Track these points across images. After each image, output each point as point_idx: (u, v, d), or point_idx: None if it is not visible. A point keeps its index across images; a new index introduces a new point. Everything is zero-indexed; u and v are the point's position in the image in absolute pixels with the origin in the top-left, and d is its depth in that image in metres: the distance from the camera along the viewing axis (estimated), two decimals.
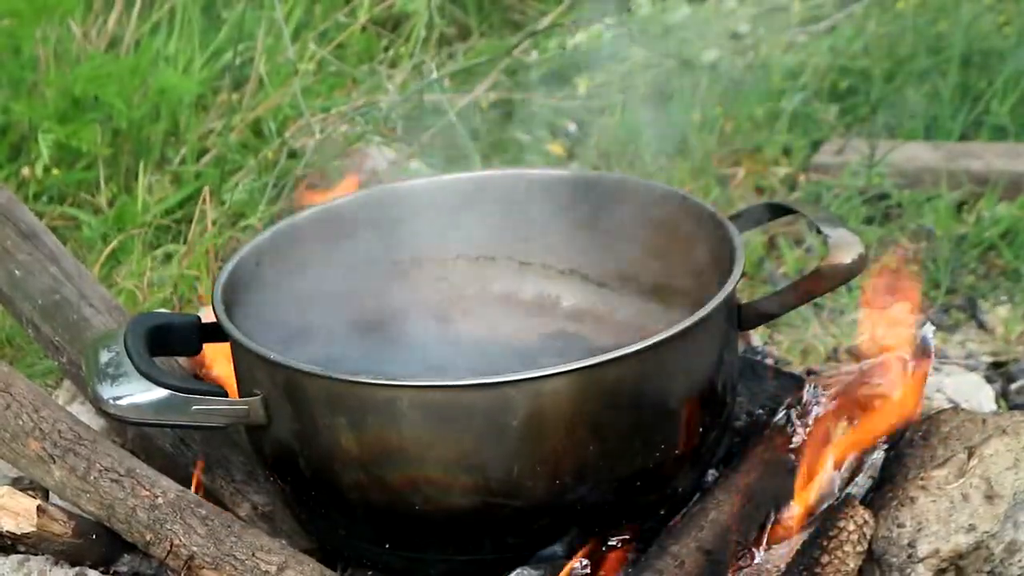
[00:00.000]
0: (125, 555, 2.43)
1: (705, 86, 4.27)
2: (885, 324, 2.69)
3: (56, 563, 2.44)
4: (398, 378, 2.20)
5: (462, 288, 2.80)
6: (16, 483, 2.61)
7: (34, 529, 2.37)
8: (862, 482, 2.46)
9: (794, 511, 2.42)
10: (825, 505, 2.42)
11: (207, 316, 2.46)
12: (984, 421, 2.48)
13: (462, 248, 2.79)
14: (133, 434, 2.65)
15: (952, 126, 4.15)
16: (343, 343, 2.64)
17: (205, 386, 2.36)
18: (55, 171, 3.63)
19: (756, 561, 2.36)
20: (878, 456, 2.49)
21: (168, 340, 2.45)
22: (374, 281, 2.74)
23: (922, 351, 2.56)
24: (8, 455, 2.45)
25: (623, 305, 2.71)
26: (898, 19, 4.59)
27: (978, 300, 3.51)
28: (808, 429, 2.51)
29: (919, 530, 2.37)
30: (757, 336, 3.18)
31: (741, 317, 2.46)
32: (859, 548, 2.34)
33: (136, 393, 2.31)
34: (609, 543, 2.34)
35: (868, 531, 2.36)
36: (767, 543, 2.39)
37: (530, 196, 2.75)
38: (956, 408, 2.57)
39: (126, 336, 2.38)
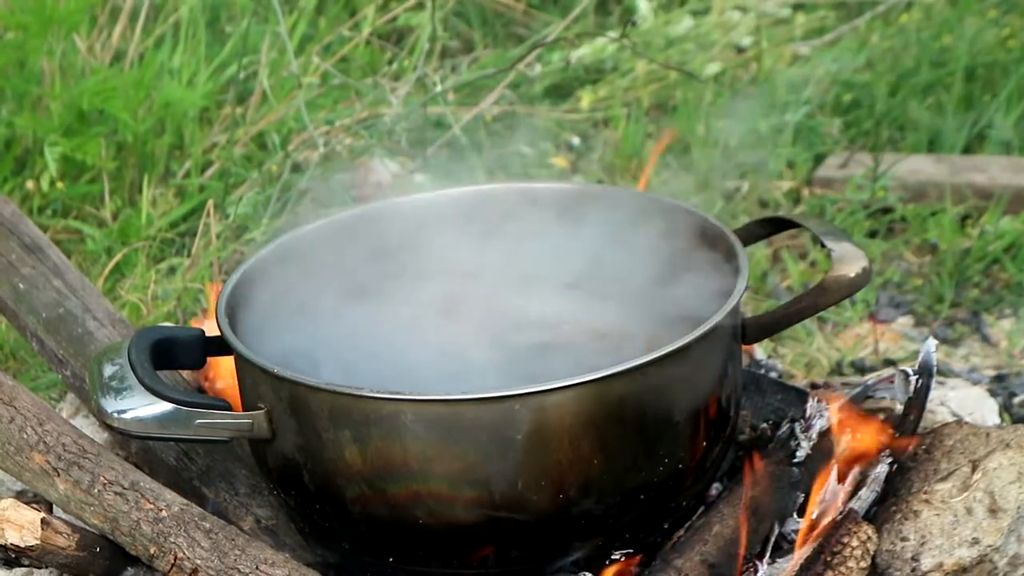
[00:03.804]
0: (129, 568, 2.43)
1: (709, 99, 4.27)
2: None
3: None
4: (402, 392, 2.20)
5: (466, 301, 2.80)
6: (20, 496, 2.62)
7: (38, 542, 2.36)
8: (866, 495, 2.46)
9: (798, 525, 2.42)
10: (829, 519, 2.42)
11: (211, 329, 2.47)
12: (988, 435, 2.48)
13: (466, 262, 2.79)
14: (137, 447, 2.65)
15: (956, 140, 4.15)
16: (347, 356, 2.64)
17: (209, 400, 2.36)
18: (60, 184, 3.63)
19: (760, 575, 2.36)
20: (882, 469, 2.49)
21: (172, 353, 2.46)
22: (377, 295, 2.74)
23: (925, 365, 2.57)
24: (12, 468, 2.45)
25: (626, 318, 2.71)
26: (901, 33, 4.59)
27: (982, 314, 3.51)
28: (812, 443, 2.51)
29: (923, 544, 2.37)
30: (761, 350, 3.18)
31: (745, 331, 2.46)
32: (863, 564, 2.33)
33: (140, 407, 2.32)
34: (613, 557, 2.35)
35: (872, 546, 2.36)
36: (771, 557, 2.39)
37: (534, 209, 2.75)
38: (960, 422, 2.57)
39: (130, 349, 2.38)
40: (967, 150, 4.16)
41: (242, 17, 4.14)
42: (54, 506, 2.51)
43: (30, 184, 3.65)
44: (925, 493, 2.41)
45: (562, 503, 2.24)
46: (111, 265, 3.46)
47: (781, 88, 4.35)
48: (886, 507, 2.45)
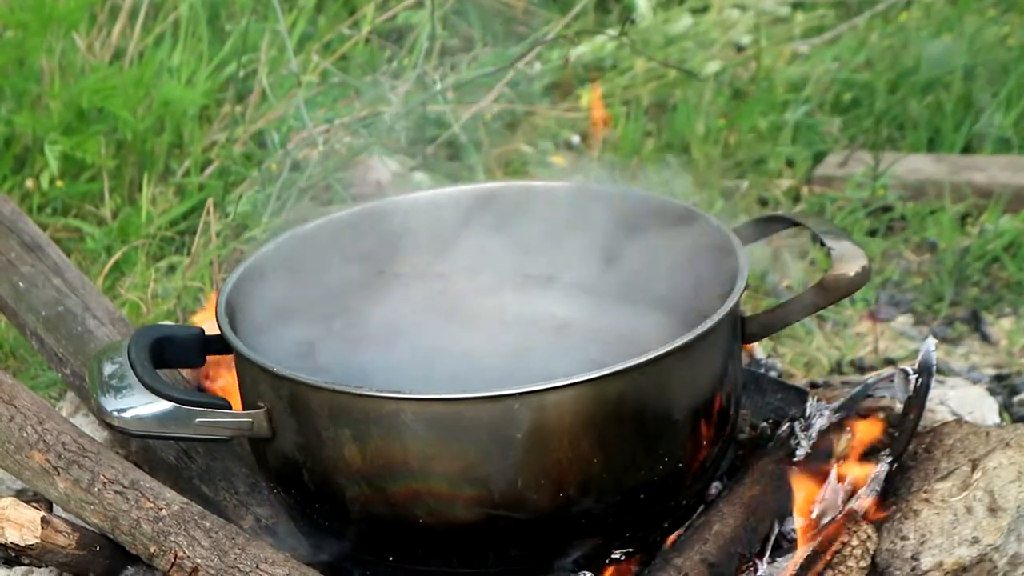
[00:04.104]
0: (129, 567, 2.43)
1: (708, 98, 4.27)
2: None
3: (60, 575, 2.44)
4: (402, 391, 2.20)
5: (465, 300, 2.80)
6: (20, 495, 2.62)
7: (38, 541, 2.36)
8: (865, 495, 2.46)
9: (798, 524, 2.42)
10: (829, 519, 2.42)
11: (211, 328, 2.47)
12: (988, 434, 2.48)
13: (466, 260, 2.79)
14: (137, 446, 2.65)
15: (955, 138, 4.15)
16: (347, 355, 2.64)
17: (209, 398, 2.36)
18: (59, 183, 3.63)
19: (760, 574, 2.36)
20: (882, 469, 2.49)
21: (172, 352, 2.46)
22: (378, 293, 2.74)
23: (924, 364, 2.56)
24: (12, 467, 2.45)
25: (626, 317, 2.71)
26: (901, 31, 4.59)
27: (982, 313, 3.51)
28: (812, 442, 2.51)
29: (923, 543, 2.37)
30: (760, 348, 3.18)
31: (745, 330, 2.46)
32: (863, 563, 2.34)
33: (140, 405, 2.32)
34: (613, 556, 2.35)
35: (872, 546, 2.36)
36: (771, 556, 2.39)
37: (533, 208, 2.75)
38: (960, 421, 2.57)
39: (130, 348, 2.38)
40: (966, 149, 4.16)
41: (242, 15, 4.14)
42: (54, 505, 2.50)
43: (30, 182, 3.65)
44: (925, 492, 2.41)
45: (562, 502, 2.24)
46: (111, 263, 3.46)
47: (780, 86, 4.35)
48: (886, 506, 2.45)
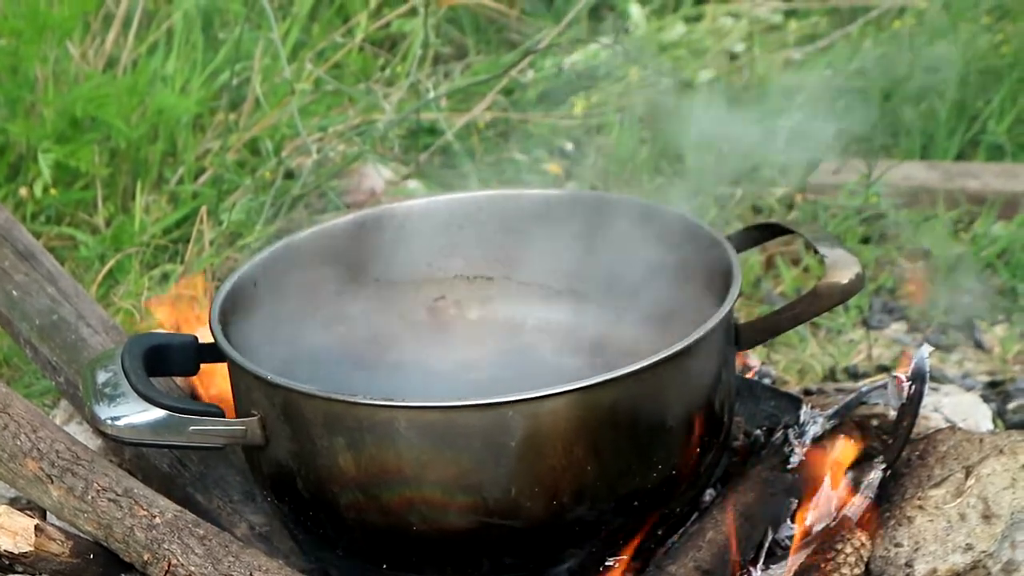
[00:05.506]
0: (123, 575, 2.43)
1: (702, 106, 4.27)
2: None
3: None
4: (396, 398, 2.20)
5: (459, 308, 2.80)
6: (14, 503, 2.61)
7: (32, 549, 2.36)
8: (859, 502, 2.46)
9: (792, 531, 2.42)
10: (822, 526, 2.42)
11: (204, 336, 2.46)
12: (981, 441, 2.48)
13: (460, 268, 2.79)
14: (130, 454, 2.65)
15: (949, 145, 4.15)
16: (341, 363, 2.64)
17: (202, 406, 2.36)
18: (53, 191, 3.63)
19: None
20: (875, 476, 2.49)
21: (165, 360, 2.46)
22: (372, 301, 2.74)
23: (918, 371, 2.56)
24: (6, 475, 2.45)
25: (621, 325, 2.71)
26: (894, 38, 4.59)
27: (975, 320, 3.51)
28: (805, 449, 2.51)
29: (916, 550, 2.37)
30: (755, 355, 3.18)
31: (739, 336, 2.46)
32: (856, 570, 2.34)
33: (133, 413, 2.32)
34: (607, 563, 2.34)
35: (865, 553, 2.36)
36: (765, 563, 2.39)
37: (527, 216, 2.75)
38: (953, 428, 2.57)
39: (123, 356, 2.38)
40: (960, 156, 4.16)
41: (235, 23, 4.14)
42: (47, 513, 2.50)
43: (23, 191, 3.65)
44: (919, 499, 2.41)
45: (556, 509, 2.24)
46: (104, 272, 3.46)
47: (774, 94, 4.35)
48: (880, 513, 2.45)
